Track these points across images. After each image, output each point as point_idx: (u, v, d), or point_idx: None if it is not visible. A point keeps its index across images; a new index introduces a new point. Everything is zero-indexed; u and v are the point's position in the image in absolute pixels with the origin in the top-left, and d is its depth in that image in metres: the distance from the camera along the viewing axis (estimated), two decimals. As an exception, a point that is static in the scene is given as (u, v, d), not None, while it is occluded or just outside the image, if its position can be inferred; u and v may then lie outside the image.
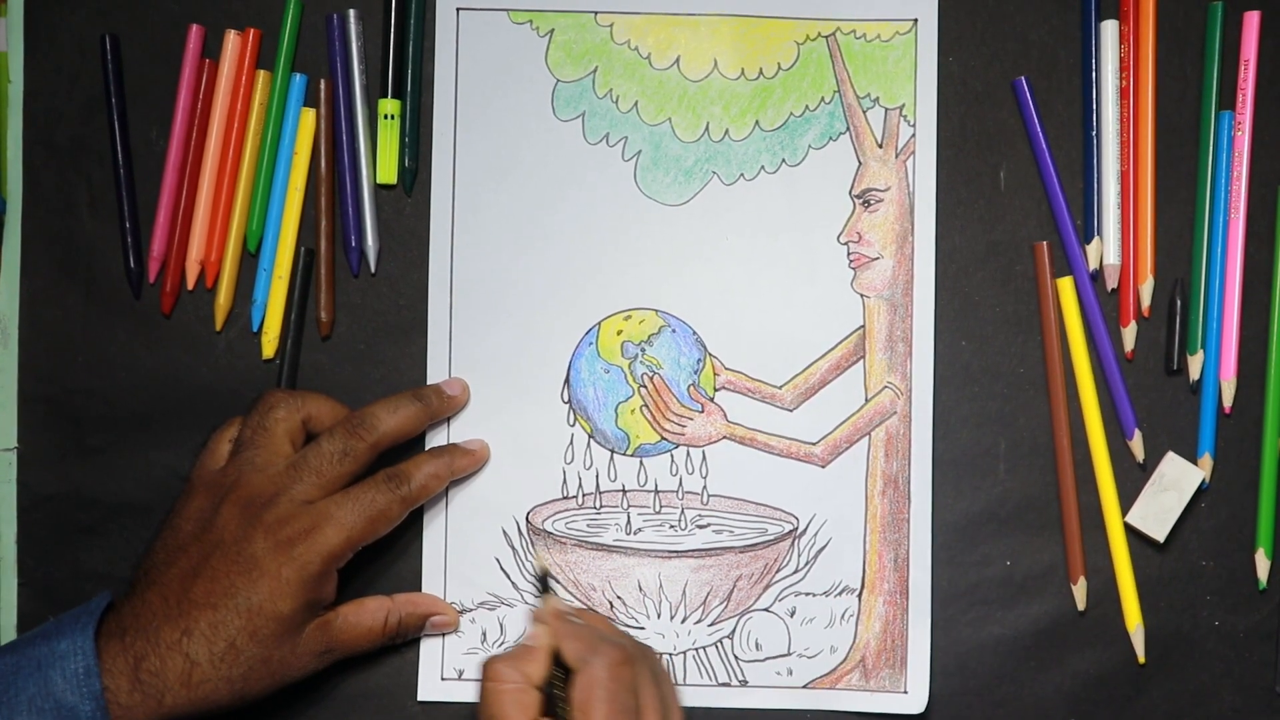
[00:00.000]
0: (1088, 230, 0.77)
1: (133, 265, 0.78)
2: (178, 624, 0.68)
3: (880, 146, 0.78)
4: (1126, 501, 0.77)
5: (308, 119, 0.78)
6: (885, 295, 0.78)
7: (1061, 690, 0.77)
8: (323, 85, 0.78)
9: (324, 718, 0.77)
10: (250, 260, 0.78)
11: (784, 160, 0.78)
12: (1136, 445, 0.76)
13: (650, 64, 0.78)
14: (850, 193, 0.78)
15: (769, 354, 0.78)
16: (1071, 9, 0.78)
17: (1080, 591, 0.76)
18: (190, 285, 0.78)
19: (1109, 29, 0.77)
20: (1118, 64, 0.77)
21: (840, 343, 0.78)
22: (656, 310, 0.78)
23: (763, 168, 0.78)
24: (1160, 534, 0.76)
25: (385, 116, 0.78)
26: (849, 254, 0.78)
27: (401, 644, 0.77)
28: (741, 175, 0.78)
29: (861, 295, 0.78)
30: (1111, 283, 0.77)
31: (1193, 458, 0.76)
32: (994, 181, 0.78)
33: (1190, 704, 0.77)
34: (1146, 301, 0.77)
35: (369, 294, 0.78)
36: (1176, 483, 0.76)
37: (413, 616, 0.75)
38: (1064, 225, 0.77)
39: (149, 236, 0.78)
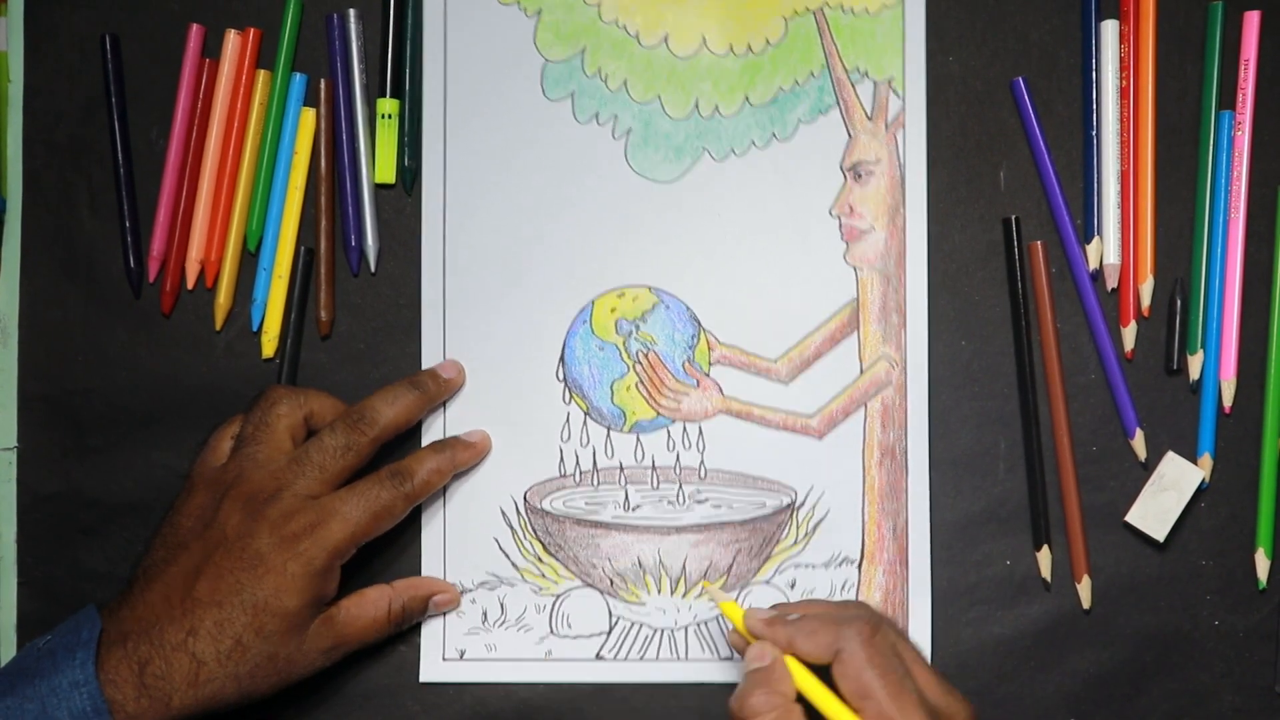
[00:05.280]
0: (1088, 230, 0.77)
1: (133, 265, 0.78)
2: (182, 624, 0.68)
3: (870, 119, 0.78)
4: (1126, 501, 0.77)
5: (308, 119, 0.78)
6: (878, 267, 0.78)
7: (1061, 690, 0.77)
8: (323, 85, 0.78)
9: (323, 714, 0.77)
10: (250, 260, 0.78)
11: (774, 135, 0.78)
12: (1138, 444, 0.76)
13: (638, 42, 0.78)
14: (841, 166, 0.78)
15: (763, 328, 0.78)
16: (1071, 9, 0.78)
17: (1085, 590, 0.76)
18: (190, 285, 0.78)
19: (1109, 29, 0.77)
20: (1118, 64, 0.77)
21: (834, 315, 0.78)
22: (650, 287, 0.78)
23: (753, 143, 0.78)
24: (1160, 534, 0.76)
25: (384, 116, 0.78)
26: (841, 227, 0.78)
27: (406, 630, 0.77)
28: (732, 151, 0.78)
29: (854, 267, 0.78)
30: (1111, 282, 0.77)
31: (1192, 457, 0.76)
32: (994, 181, 0.78)
33: (1190, 704, 0.77)
34: (1146, 301, 0.77)
35: (369, 293, 0.78)
36: (1176, 482, 0.76)
37: (415, 600, 0.75)
38: (1064, 225, 0.77)
39: (149, 236, 0.78)
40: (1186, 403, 0.77)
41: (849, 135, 0.78)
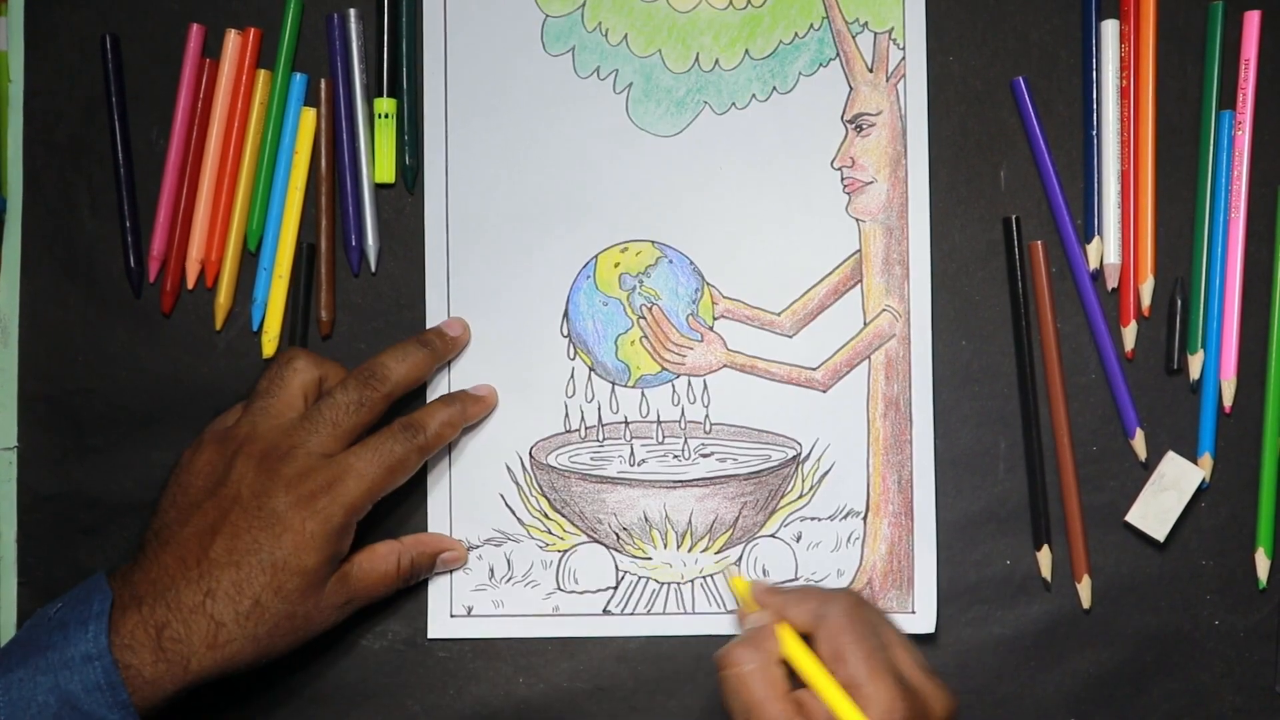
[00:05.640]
0: (1088, 230, 0.77)
1: (133, 265, 0.78)
2: (199, 585, 0.67)
3: (871, 71, 0.78)
4: (1126, 501, 0.77)
5: (308, 118, 0.78)
6: (880, 219, 0.78)
7: (1061, 690, 0.77)
8: (323, 84, 0.78)
9: (324, 713, 0.77)
10: (250, 260, 0.78)
11: (775, 88, 0.78)
12: (1139, 444, 0.76)
13: None
14: (842, 118, 0.78)
15: (766, 281, 0.78)
16: (1071, 9, 0.78)
17: (1085, 590, 0.77)
18: (190, 285, 0.78)
19: (1109, 28, 0.77)
20: (1118, 64, 0.77)
21: (837, 267, 0.78)
22: (653, 241, 0.78)
23: (754, 96, 0.78)
24: (1160, 534, 0.76)
25: (381, 116, 0.78)
26: (843, 179, 0.78)
27: (414, 585, 0.77)
28: (733, 104, 0.78)
29: (857, 219, 0.78)
30: (1112, 282, 0.77)
31: (1193, 457, 0.76)
32: (994, 181, 0.78)
33: (1190, 704, 0.77)
34: (1147, 301, 0.77)
35: (369, 293, 0.78)
36: (1176, 482, 0.76)
37: (423, 556, 0.76)
38: (1064, 225, 0.77)
39: (149, 236, 0.78)
40: (1186, 403, 0.77)
41: (850, 87, 0.78)
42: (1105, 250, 0.77)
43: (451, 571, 0.77)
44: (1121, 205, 0.77)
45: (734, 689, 0.65)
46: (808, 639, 0.67)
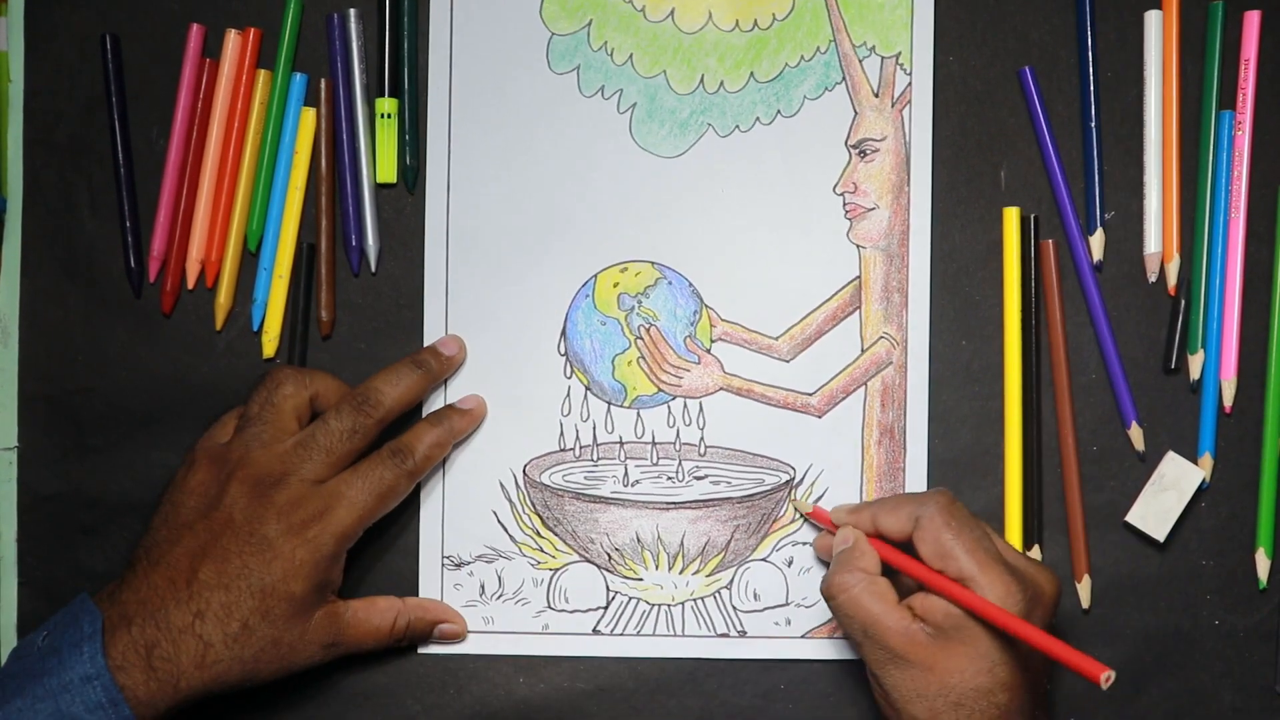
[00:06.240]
0: (1090, 223, 0.77)
1: (133, 265, 0.78)
2: (188, 606, 0.68)
3: (876, 96, 0.78)
4: (1126, 501, 0.77)
5: (308, 118, 0.78)
6: (881, 246, 0.78)
7: (1062, 690, 0.77)
8: (323, 84, 0.78)
9: (323, 714, 0.77)
10: (250, 260, 0.78)
11: (779, 111, 0.78)
12: (1135, 435, 0.76)
13: (645, 16, 0.78)
14: (846, 143, 0.78)
15: (765, 305, 0.78)
16: (1071, 9, 0.78)
17: (1085, 589, 0.77)
18: (190, 285, 0.78)
19: (1153, 19, 0.77)
20: (1162, 51, 0.77)
21: (836, 293, 0.78)
22: (653, 262, 0.78)
23: (758, 119, 0.78)
24: (1160, 534, 0.76)
25: (383, 115, 0.78)
26: (845, 204, 0.78)
27: (405, 646, 0.77)
28: (737, 127, 0.78)
29: (857, 246, 0.78)
30: (1153, 273, 0.77)
31: (1193, 457, 0.76)
32: (994, 181, 0.78)
33: (1190, 704, 0.77)
34: (1172, 281, 0.77)
35: (370, 293, 0.78)
36: (1177, 482, 0.76)
37: (421, 621, 0.76)
38: (1067, 217, 0.77)
39: (149, 236, 0.78)
40: (1186, 402, 0.77)
41: (855, 112, 0.78)
42: (1146, 240, 0.77)
43: (449, 643, 0.77)
44: (1161, 193, 0.77)
45: (847, 613, 0.68)
46: (905, 546, 0.68)
